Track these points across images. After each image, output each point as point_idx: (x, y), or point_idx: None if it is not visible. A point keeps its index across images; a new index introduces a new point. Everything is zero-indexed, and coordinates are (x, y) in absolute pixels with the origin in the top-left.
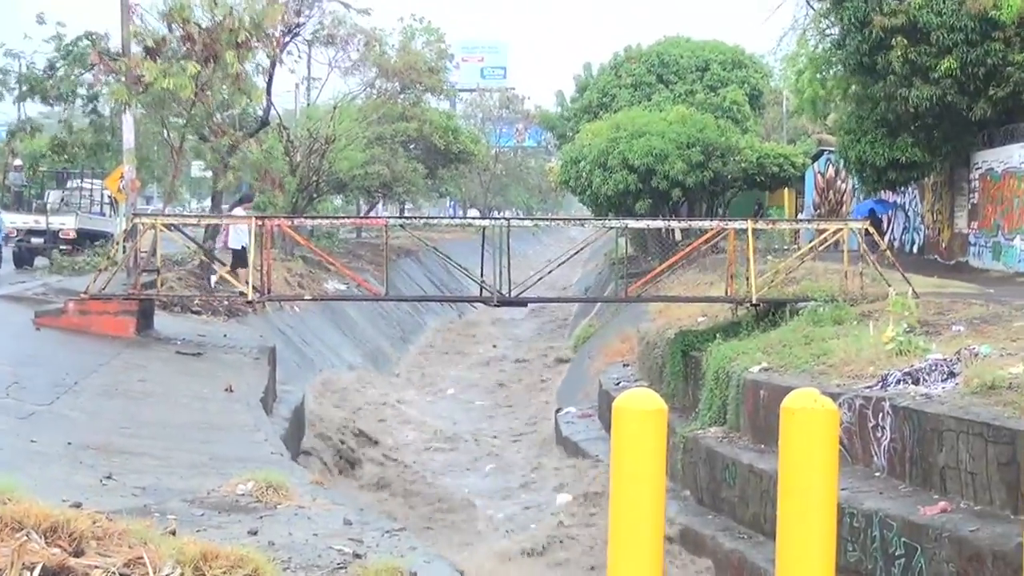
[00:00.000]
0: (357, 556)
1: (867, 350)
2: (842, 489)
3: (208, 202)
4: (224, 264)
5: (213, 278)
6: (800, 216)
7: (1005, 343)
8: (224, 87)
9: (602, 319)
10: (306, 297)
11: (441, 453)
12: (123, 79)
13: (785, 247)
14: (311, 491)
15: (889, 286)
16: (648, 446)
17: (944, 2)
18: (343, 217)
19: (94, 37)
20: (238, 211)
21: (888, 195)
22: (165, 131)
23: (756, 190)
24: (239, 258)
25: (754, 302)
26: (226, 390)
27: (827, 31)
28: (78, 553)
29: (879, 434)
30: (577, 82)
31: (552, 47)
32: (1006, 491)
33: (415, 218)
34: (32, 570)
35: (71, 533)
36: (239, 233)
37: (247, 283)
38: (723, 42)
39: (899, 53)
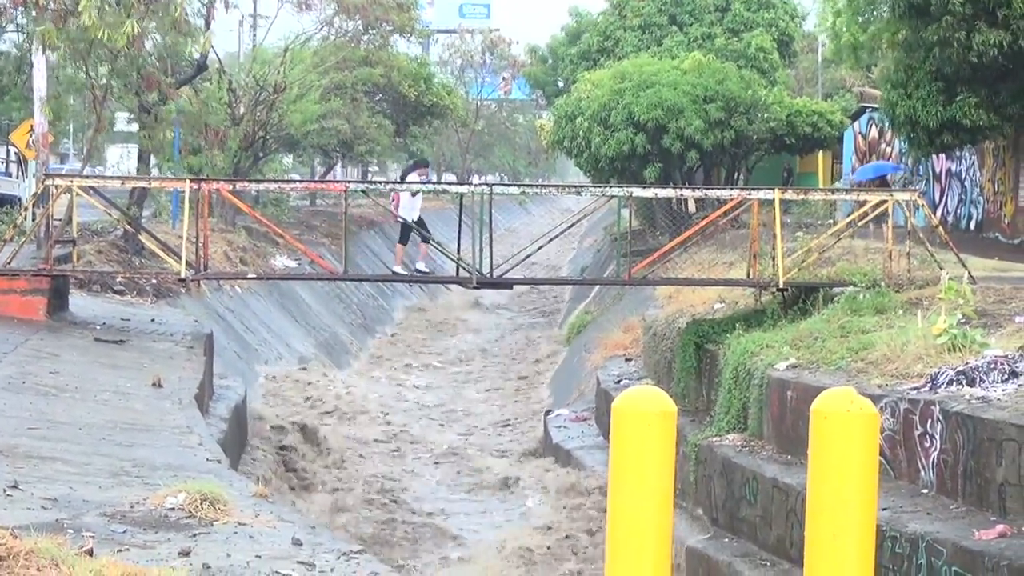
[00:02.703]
0: None
1: (914, 345)
2: (882, 508)
3: (134, 161)
4: (157, 238)
5: (420, 264)
6: (837, 185)
7: None
8: (160, 32)
9: (601, 305)
10: (250, 275)
11: (407, 463)
12: (46, 13)
13: (819, 221)
14: (254, 505)
15: (941, 269)
16: (653, 455)
17: None
18: (294, 181)
19: None
20: (413, 177)
21: (941, 160)
22: (88, 78)
23: (785, 154)
24: (409, 232)
25: (781, 286)
26: (154, 384)
27: None
28: None
29: (927, 444)
30: (565, 31)
31: None
32: None
33: (380, 183)
34: None
35: None
36: (412, 203)
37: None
38: None
39: None
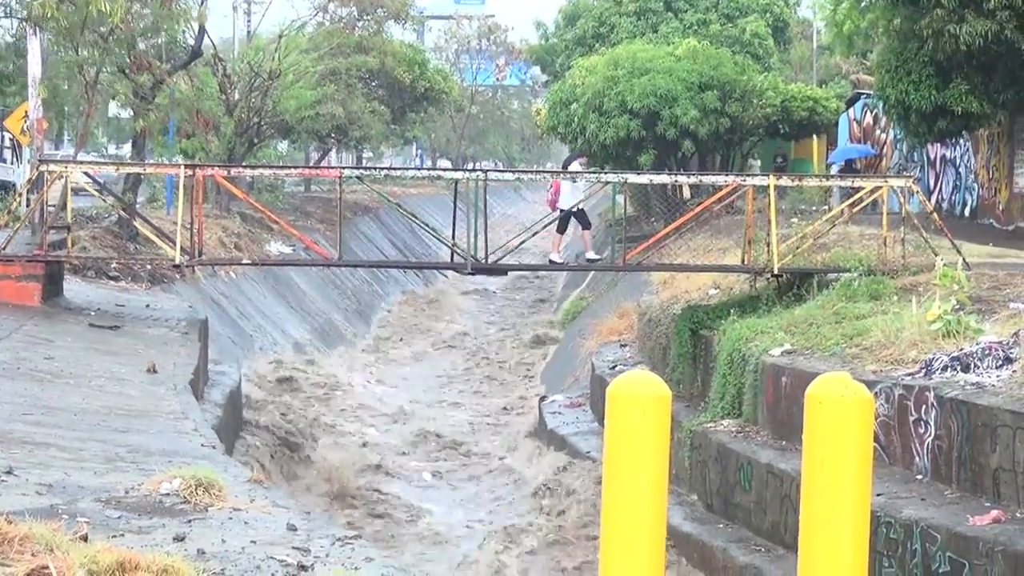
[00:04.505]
0: (303, 568)
1: (909, 331)
2: (877, 494)
3: (128, 147)
4: (152, 224)
5: (590, 253)
6: (831, 171)
7: None
8: (148, 10)
9: (595, 291)
10: (244, 261)
11: (401, 448)
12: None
13: (813, 208)
14: (249, 491)
15: (936, 255)
16: (648, 440)
17: None
18: (289, 167)
19: None
20: (575, 166)
21: (935, 147)
22: (77, 57)
23: (780, 140)
24: (568, 220)
25: (776, 272)
26: (148, 370)
27: None
28: None
29: (921, 430)
30: (562, 13)
31: None
32: None
33: (375, 169)
34: None
35: None
36: (573, 192)
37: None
38: None
39: None
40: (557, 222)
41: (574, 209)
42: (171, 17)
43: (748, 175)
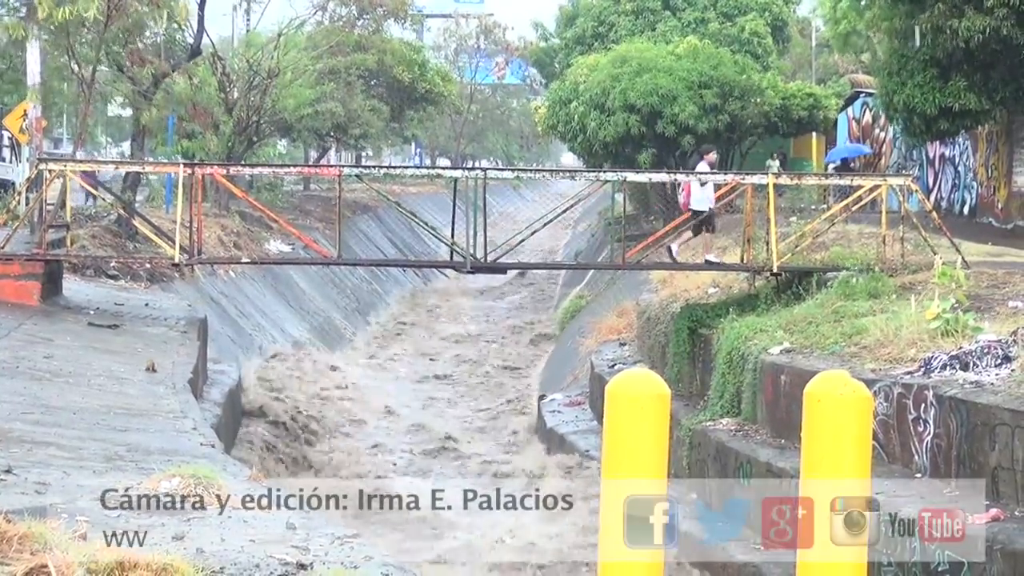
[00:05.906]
0: (302, 566)
1: (908, 329)
2: (876, 493)
3: (127, 145)
4: (151, 223)
5: (674, 247)
6: (830, 169)
7: None
8: (140, 6)
9: (595, 289)
10: (243, 260)
11: (399, 447)
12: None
13: (812, 206)
14: (247, 489)
15: (935, 254)
16: (647, 438)
17: None
18: (288, 165)
19: None
20: (702, 166)
21: (934, 145)
22: (73, 62)
23: (779, 138)
24: (705, 221)
25: (775, 271)
26: (148, 369)
27: None
28: None
29: (920, 428)
30: (561, 14)
31: None
32: None
33: (374, 167)
34: None
35: None
36: (703, 193)
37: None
38: None
39: None
40: (694, 225)
41: (706, 210)
42: (160, 8)
43: (748, 173)
